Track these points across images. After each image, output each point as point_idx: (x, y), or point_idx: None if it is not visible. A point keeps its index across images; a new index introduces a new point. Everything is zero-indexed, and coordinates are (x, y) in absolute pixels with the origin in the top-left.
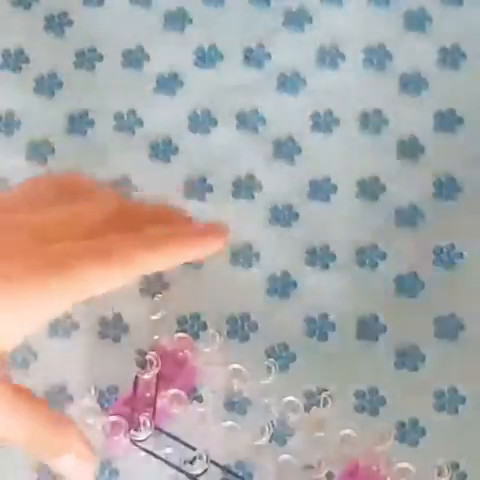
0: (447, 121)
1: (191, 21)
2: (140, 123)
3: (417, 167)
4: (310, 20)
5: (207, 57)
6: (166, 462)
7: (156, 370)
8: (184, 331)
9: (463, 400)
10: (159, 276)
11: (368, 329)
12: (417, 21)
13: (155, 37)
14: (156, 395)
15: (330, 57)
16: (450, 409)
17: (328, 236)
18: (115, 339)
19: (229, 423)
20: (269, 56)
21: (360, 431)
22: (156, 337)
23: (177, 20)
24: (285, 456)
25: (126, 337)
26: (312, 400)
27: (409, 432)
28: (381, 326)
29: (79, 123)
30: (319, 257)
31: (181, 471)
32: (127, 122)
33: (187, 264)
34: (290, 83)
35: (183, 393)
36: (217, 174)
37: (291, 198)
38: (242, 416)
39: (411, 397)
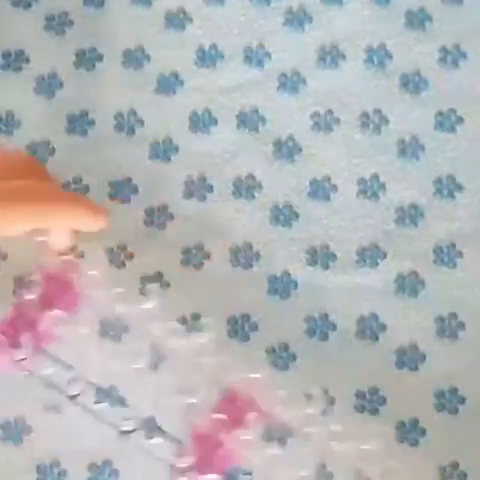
0: (447, 121)
1: (191, 21)
2: (140, 123)
3: (417, 167)
4: (310, 20)
5: (207, 57)
6: (47, 383)
7: (39, 291)
8: (185, 329)
9: (463, 400)
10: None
11: (368, 329)
12: (417, 21)
13: (155, 37)
14: (39, 316)
15: (330, 57)
16: (450, 409)
17: (328, 236)
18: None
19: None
20: (269, 56)
21: (360, 431)
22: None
23: (177, 20)
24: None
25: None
26: (311, 400)
27: (409, 432)
28: (381, 326)
29: (79, 123)
30: (319, 257)
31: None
32: (127, 122)
33: (186, 264)
34: (290, 83)
35: (66, 314)
36: (217, 174)
37: (291, 198)
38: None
39: (411, 397)
